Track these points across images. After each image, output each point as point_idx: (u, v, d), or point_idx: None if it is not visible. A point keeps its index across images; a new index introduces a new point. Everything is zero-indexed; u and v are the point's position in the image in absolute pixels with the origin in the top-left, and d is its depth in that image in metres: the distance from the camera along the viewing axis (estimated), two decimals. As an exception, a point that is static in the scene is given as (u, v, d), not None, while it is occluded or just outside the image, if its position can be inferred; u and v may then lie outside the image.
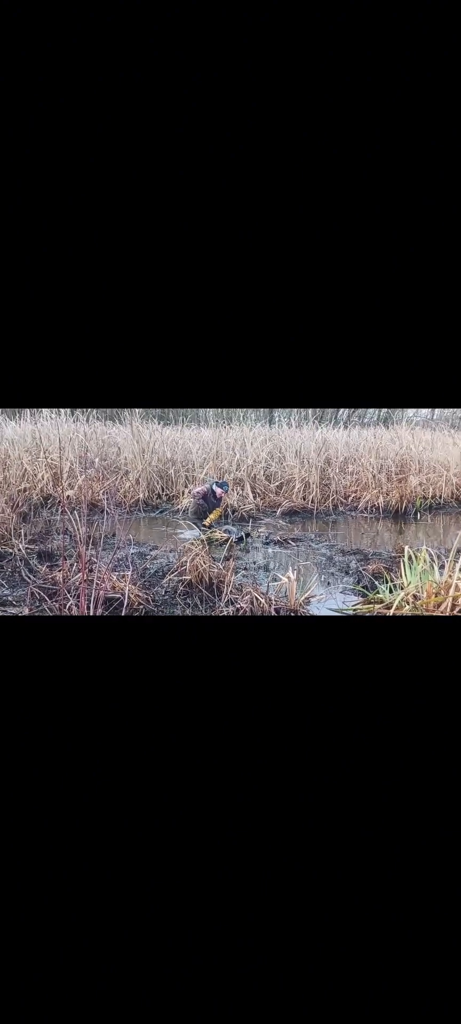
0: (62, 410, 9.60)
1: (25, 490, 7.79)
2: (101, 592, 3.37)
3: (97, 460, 8.37)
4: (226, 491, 6.37)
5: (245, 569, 4.86)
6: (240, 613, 3.63)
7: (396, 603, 3.56)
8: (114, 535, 5.53)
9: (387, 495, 7.88)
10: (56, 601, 3.86)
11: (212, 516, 6.21)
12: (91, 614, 3.05)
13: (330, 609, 4.01)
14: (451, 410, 13.06)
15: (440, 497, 8.38)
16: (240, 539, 5.87)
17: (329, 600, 4.19)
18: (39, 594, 3.91)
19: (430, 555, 4.06)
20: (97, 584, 3.48)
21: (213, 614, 3.75)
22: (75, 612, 3.49)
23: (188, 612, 3.84)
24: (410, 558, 4.07)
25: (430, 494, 8.30)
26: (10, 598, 4.09)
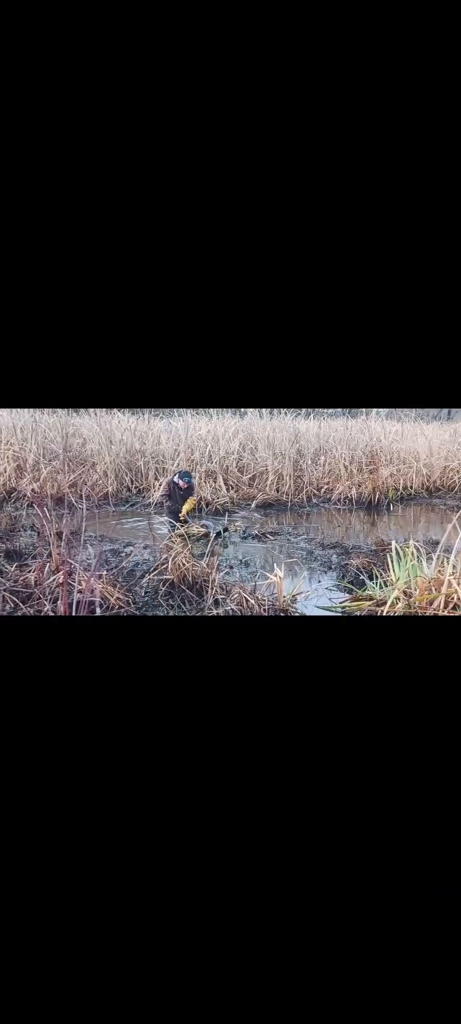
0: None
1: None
2: (81, 597, 3.14)
3: (62, 452, 8.00)
4: (187, 481, 6.13)
5: (230, 567, 4.71)
6: (230, 614, 3.48)
7: (390, 600, 3.49)
8: (85, 531, 5.26)
9: (359, 486, 7.89)
10: (30, 606, 3.60)
11: (186, 507, 6.00)
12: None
13: (318, 607, 3.92)
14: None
15: (411, 487, 8.47)
16: (218, 534, 5.71)
17: (318, 598, 4.09)
18: (11, 599, 3.63)
19: (417, 548, 4.02)
20: (76, 589, 3.25)
21: (201, 614, 3.59)
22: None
23: (172, 614, 3.66)
24: (398, 553, 4.02)
25: (401, 485, 8.37)
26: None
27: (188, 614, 3.62)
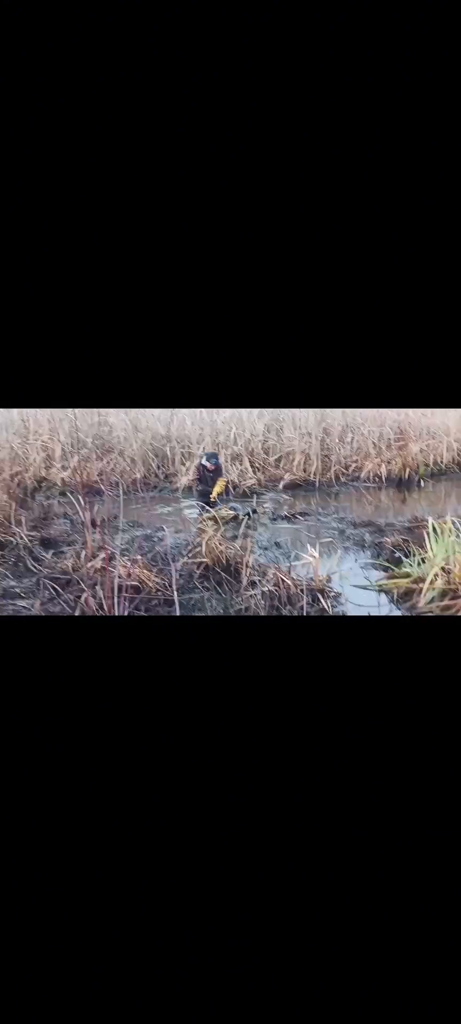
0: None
1: (17, 474, 7.49)
2: (122, 581, 3.18)
3: (90, 441, 8.08)
4: (214, 462, 6.11)
5: (264, 549, 4.70)
6: (266, 593, 3.48)
7: (429, 578, 3.44)
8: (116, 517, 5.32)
9: (389, 463, 7.77)
10: (70, 592, 3.67)
11: (217, 489, 6.00)
12: (114, 602, 2.87)
13: (354, 585, 3.89)
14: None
15: (441, 463, 8.31)
16: (247, 515, 5.71)
17: (354, 576, 4.06)
18: (51, 585, 3.70)
19: (454, 524, 3.95)
20: (118, 574, 3.30)
21: (235, 603, 3.60)
22: (92, 603, 3.30)
23: (207, 596, 3.68)
24: (435, 529, 3.95)
25: (431, 460, 8.21)
26: (18, 589, 3.87)
27: (224, 597, 3.64)
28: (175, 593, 3.19)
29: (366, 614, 3.36)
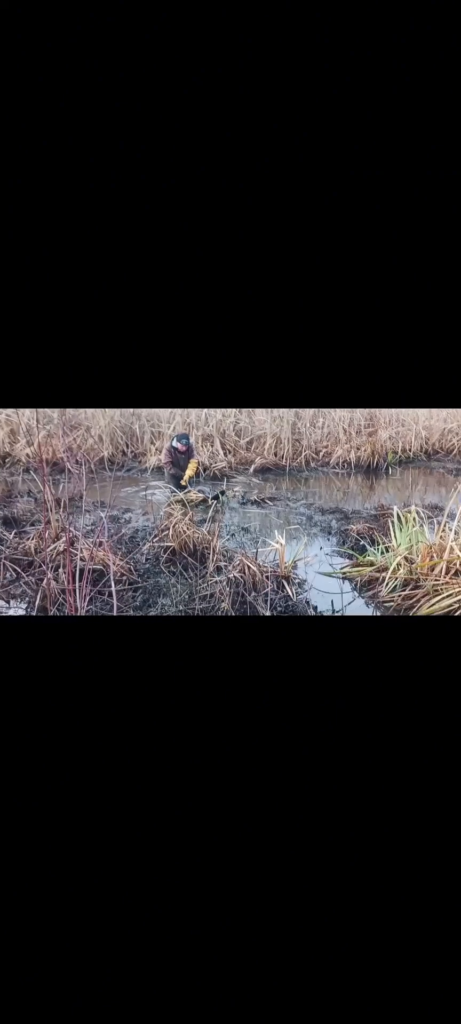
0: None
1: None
2: (84, 565, 3.12)
3: (56, 416, 7.87)
4: (185, 443, 6.02)
5: (230, 534, 4.69)
6: (232, 579, 3.47)
7: (391, 567, 3.49)
8: (82, 497, 5.21)
9: (358, 450, 7.85)
10: (31, 574, 3.58)
11: (189, 472, 5.94)
12: (75, 587, 2.81)
13: (319, 573, 3.92)
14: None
15: (409, 450, 8.44)
16: (216, 498, 5.68)
17: (319, 564, 4.09)
18: (12, 567, 3.61)
19: (419, 514, 4.02)
20: (79, 557, 3.23)
21: (200, 589, 3.58)
22: (54, 587, 3.22)
23: (174, 581, 3.65)
24: (399, 518, 4.01)
25: (400, 448, 8.33)
26: (-23, 572, 3.76)
27: (190, 582, 3.62)
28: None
29: (330, 602, 3.39)
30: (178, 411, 8.21)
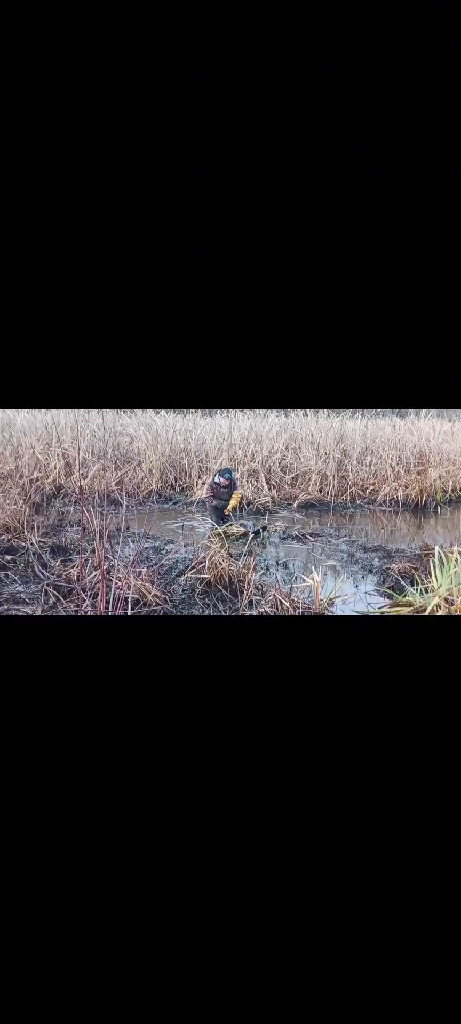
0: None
1: (37, 480, 7.67)
2: (119, 593, 3.22)
3: (109, 451, 8.22)
4: (228, 477, 6.12)
5: (267, 568, 4.70)
6: (263, 615, 3.48)
7: (429, 607, 3.38)
8: (128, 528, 5.39)
9: (406, 488, 7.67)
10: (71, 600, 3.73)
11: (232, 503, 6.01)
12: (109, 613, 2.91)
13: (355, 611, 3.84)
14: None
15: (460, 490, 8.15)
16: (257, 533, 5.71)
17: (355, 602, 4.02)
18: (54, 593, 3.78)
19: (461, 555, 3.87)
20: (115, 585, 3.34)
21: (234, 614, 3.60)
22: (90, 614, 3.35)
23: (207, 613, 3.69)
24: (441, 558, 3.88)
25: (450, 487, 8.07)
26: (23, 595, 3.96)
27: (222, 614, 3.65)
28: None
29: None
30: (225, 447, 8.36)
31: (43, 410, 9.51)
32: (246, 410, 10.20)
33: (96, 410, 9.74)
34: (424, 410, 11.34)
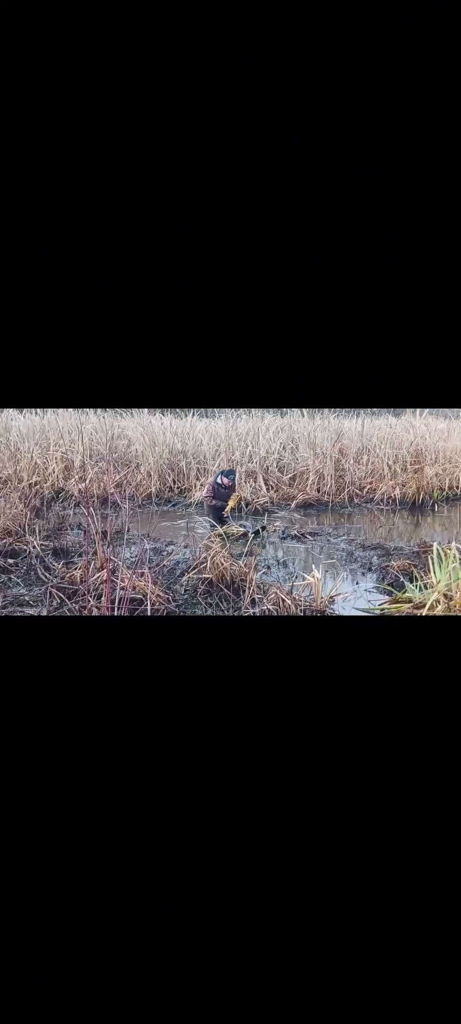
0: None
1: (36, 483, 7.69)
2: (124, 594, 3.27)
3: (107, 454, 8.25)
4: (232, 478, 6.19)
5: (267, 567, 4.74)
6: (266, 614, 3.52)
7: (429, 603, 3.44)
8: (128, 530, 5.43)
9: (403, 486, 7.74)
10: (76, 602, 3.77)
11: (231, 504, 6.07)
12: (115, 613, 2.95)
13: (357, 608, 3.90)
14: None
15: (457, 487, 8.23)
16: (256, 533, 5.76)
17: (355, 599, 4.07)
18: (58, 594, 3.81)
19: (459, 551, 3.93)
20: (119, 586, 3.38)
21: (236, 614, 3.65)
22: (95, 613, 3.39)
23: (210, 612, 3.74)
24: (439, 555, 3.94)
25: (447, 485, 8.15)
26: (27, 597, 3.99)
27: (225, 613, 3.69)
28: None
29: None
30: (223, 449, 8.41)
31: (40, 415, 9.54)
32: (242, 413, 10.25)
33: (93, 414, 9.79)
34: (419, 409, 11.43)
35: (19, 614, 3.65)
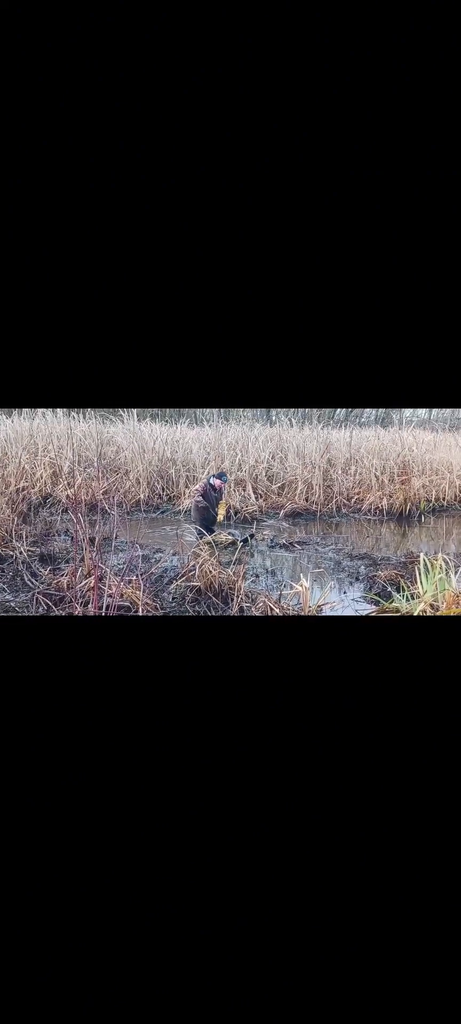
0: (58, 409, 9.42)
1: (24, 489, 7.63)
2: (111, 600, 3.25)
3: (96, 460, 8.21)
4: (224, 481, 6.17)
5: (256, 576, 4.75)
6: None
7: (415, 613, 3.47)
8: (116, 536, 5.40)
9: (390, 497, 7.80)
10: (63, 609, 3.74)
11: (220, 511, 6.05)
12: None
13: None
14: (449, 410, 13.04)
15: (444, 499, 8.32)
16: (245, 541, 5.76)
17: (343, 608, 4.09)
18: (45, 601, 3.78)
19: (445, 562, 3.98)
20: (107, 593, 3.37)
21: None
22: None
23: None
24: (426, 565, 3.98)
25: (433, 496, 8.23)
26: (13, 604, 3.95)
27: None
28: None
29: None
30: (212, 457, 8.43)
31: (28, 420, 9.47)
32: (232, 422, 10.27)
33: (83, 420, 9.74)
34: (406, 419, 11.54)
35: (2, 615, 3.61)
